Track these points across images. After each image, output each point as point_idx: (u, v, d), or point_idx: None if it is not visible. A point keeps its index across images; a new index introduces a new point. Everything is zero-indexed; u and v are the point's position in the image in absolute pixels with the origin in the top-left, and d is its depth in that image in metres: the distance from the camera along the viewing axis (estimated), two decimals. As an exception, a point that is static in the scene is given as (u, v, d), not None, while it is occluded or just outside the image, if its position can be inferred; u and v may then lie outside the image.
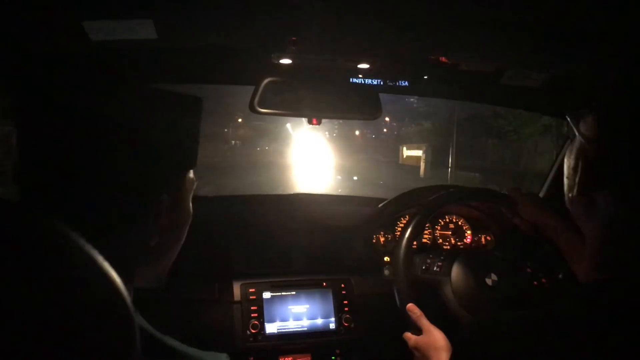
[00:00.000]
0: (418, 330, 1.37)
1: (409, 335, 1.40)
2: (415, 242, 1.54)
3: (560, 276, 1.49)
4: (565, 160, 0.83)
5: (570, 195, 0.79)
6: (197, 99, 0.73)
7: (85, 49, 1.14)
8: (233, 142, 34.16)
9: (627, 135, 0.70)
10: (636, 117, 0.69)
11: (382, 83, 1.53)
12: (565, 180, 0.83)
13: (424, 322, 1.36)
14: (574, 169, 0.78)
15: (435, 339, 1.32)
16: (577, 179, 0.77)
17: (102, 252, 0.42)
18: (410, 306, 1.40)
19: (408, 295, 1.43)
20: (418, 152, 26.55)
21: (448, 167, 21.17)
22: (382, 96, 1.51)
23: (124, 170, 0.63)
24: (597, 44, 1.16)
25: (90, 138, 0.61)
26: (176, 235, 0.76)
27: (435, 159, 23.50)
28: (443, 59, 1.43)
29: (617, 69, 1.17)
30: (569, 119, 0.82)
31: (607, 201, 0.72)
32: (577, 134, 0.79)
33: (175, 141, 0.70)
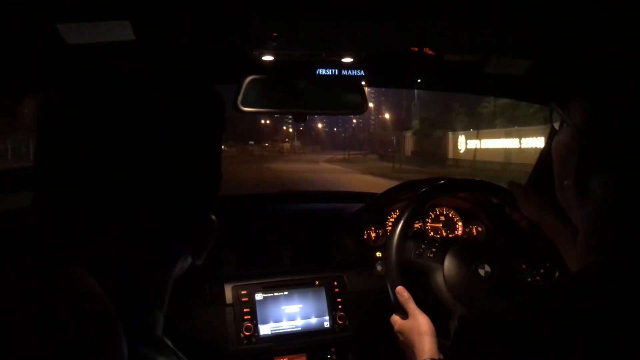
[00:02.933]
0: (404, 314, 1.37)
1: (395, 319, 1.39)
2: (409, 231, 1.53)
3: (556, 274, 1.49)
4: (554, 148, 0.82)
5: (563, 182, 0.79)
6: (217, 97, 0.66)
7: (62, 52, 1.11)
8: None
9: (619, 116, 0.70)
10: (626, 97, 0.70)
11: (367, 77, 1.52)
12: (556, 168, 0.82)
13: (411, 306, 1.36)
14: (564, 156, 0.78)
15: (419, 323, 1.32)
16: (568, 167, 0.76)
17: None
18: (400, 289, 1.40)
19: (399, 278, 1.42)
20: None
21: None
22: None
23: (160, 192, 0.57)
24: (581, 30, 1.16)
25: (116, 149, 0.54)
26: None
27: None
28: (427, 50, 1.42)
29: (603, 53, 1.17)
30: (555, 107, 0.82)
31: (602, 184, 0.71)
32: (565, 121, 0.79)
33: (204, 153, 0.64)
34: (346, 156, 55.53)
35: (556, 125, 0.90)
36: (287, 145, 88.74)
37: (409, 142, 45.12)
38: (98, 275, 0.43)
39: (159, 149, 0.56)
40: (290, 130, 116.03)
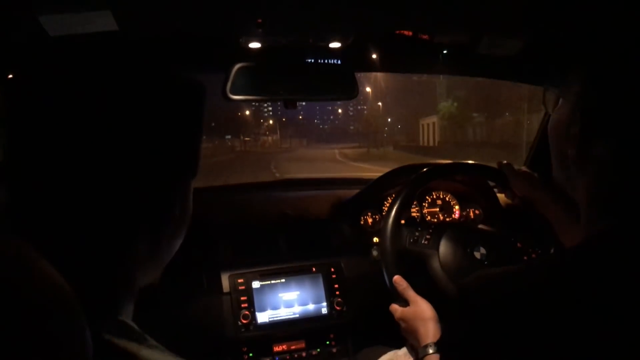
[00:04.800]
0: (404, 302, 1.37)
1: (395, 307, 1.39)
2: (402, 219, 1.53)
3: (551, 251, 1.49)
4: (551, 126, 0.84)
5: (564, 156, 0.79)
6: (198, 86, 0.65)
7: (45, 44, 1.10)
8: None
9: (617, 80, 0.71)
10: (623, 60, 0.71)
11: (356, 61, 1.51)
12: (555, 145, 0.83)
13: (410, 294, 1.36)
14: (563, 131, 0.79)
15: (422, 309, 1.31)
16: (569, 140, 0.77)
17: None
18: (397, 278, 1.39)
19: (395, 268, 1.42)
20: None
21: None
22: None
23: (126, 177, 0.58)
24: (571, 9, 1.15)
25: (84, 138, 0.55)
26: (178, 239, 0.72)
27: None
28: (417, 32, 1.40)
29: (598, 29, 1.16)
30: (550, 86, 0.82)
31: (606, 148, 0.71)
32: (562, 95, 0.81)
33: (179, 141, 0.64)
34: (358, 149, 50.05)
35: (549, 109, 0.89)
36: (267, 139, 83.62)
37: (428, 131, 40.48)
38: (56, 255, 0.43)
39: (127, 133, 0.57)
40: (271, 122, 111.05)
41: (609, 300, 0.64)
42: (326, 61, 1.46)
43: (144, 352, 0.59)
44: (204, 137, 0.70)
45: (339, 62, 1.46)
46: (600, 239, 0.72)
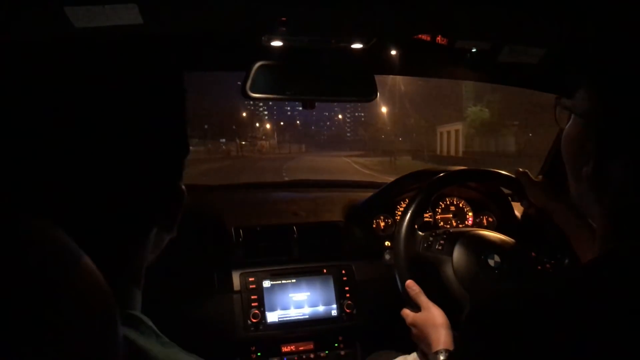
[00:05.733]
0: (416, 308, 1.36)
1: (406, 312, 1.39)
2: (416, 224, 1.52)
3: (566, 262, 1.47)
4: (564, 140, 0.81)
5: (579, 172, 0.77)
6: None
7: (68, 37, 1.10)
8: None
9: (631, 96, 0.69)
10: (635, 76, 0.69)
11: (377, 64, 1.50)
12: (569, 160, 0.81)
13: (423, 299, 1.35)
14: (578, 146, 0.77)
15: (433, 315, 1.31)
16: (583, 156, 0.75)
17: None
18: (409, 282, 1.39)
19: (407, 272, 1.41)
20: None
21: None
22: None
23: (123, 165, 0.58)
24: (592, 19, 1.14)
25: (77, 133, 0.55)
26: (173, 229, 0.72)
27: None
28: (438, 38, 1.40)
29: (615, 40, 1.15)
30: (562, 100, 0.81)
31: (621, 169, 0.70)
32: (574, 111, 0.78)
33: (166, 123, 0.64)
34: (371, 158, 45.22)
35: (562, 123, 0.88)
36: (265, 144, 79.98)
37: (449, 139, 37.18)
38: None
39: (122, 125, 0.58)
40: (268, 126, 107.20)
41: (624, 321, 0.63)
42: (347, 62, 1.45)
43: (156, 348, 0.59)
44: (196, 140, 0.71)
45: (360, 63, 1.46)
46: (614, 258, 0.71)
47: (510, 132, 28.28)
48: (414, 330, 1.36)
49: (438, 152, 38.85)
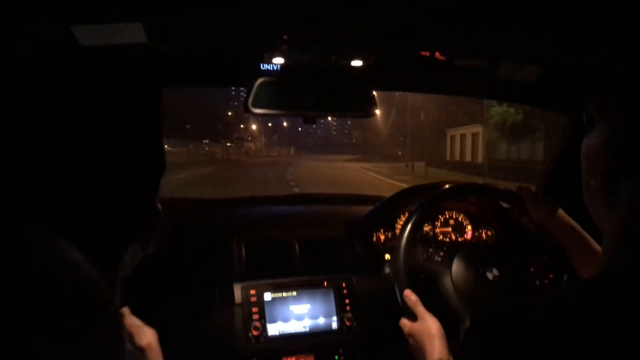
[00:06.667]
0: (414, 317, 1.37)
1: (404, 322, 1.40)
2: (416, 236, 1.54)
3: (564, 278, 1.49)
4: (584, 149, 0.81)
5: (591, 184, 0.78)
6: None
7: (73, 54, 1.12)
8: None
9: None
10: None
11: (376, 80, 1.53)
12: (584, 168, 0.81)
13: (420, 309, 1.36)
14: (594, 157, 0.77)
15: (428, 326, 1.32)
16: (596, 168, 0.76)
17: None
18: (407, 292, 1.40)
19: (406, 283, 1.43)
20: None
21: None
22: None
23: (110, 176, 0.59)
24: (590, 37, 1.16)
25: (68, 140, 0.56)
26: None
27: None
28: (437, 55, 1.42)
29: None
30: (590, 108, 0.81)
31: (631, 188, 0.71)
32: (598, 122, 0.77)
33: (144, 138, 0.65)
34: (376, 163, 43.17)
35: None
36: (252, 146, 74.39)
37: (463, 144, 32.81)
38: None
39: (96, 141, 0.58)
40: (254, 127, 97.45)
41: (623, 340, 0.63)
42: (347, 79, 1.48)
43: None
44: (177, 139, 0.69)
45: (359, 80, 1.49)
46: (619, 277, 0.71)
47: (540, 137, 24.94)
48: (411, 340, 1.37)
49: (448, 157, 35.91)
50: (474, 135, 31.74)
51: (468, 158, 32.17)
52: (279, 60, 1.33)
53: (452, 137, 36.44)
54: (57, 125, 0.56)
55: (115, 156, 0.59)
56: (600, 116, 0.77)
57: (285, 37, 1.16)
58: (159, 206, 0.66)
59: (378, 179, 26.05)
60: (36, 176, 0.54)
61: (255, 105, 1.39)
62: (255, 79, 1.38)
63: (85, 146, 0.57)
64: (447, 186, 1.64)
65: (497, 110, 26.89)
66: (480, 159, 29.40)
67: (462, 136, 34.08)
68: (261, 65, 1.35)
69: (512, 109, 25.39)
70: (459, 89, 1.70)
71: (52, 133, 0.55)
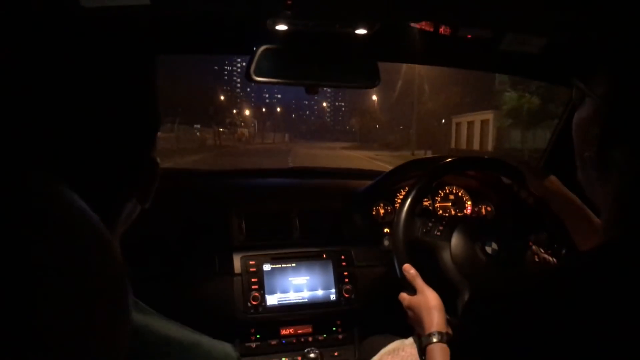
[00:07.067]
0: (412, 291, 1.38)
1: (403, 296, 1.40)
2: (416, 210, 1.53)
3: (563, 252, 1.49)
4: (575, 123, 0.83)
5: (585, 155, 0.78)
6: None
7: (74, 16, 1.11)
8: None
9: None
10: None
11: (380, 50, 1.51)
12: (577, 142, 0.83)
13: (419, 283, 1.37)
14: (585, 130, 0.79)
15: (427, 298, 1.32)
16: (589, 139, 0.77)
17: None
18: (407, 266, 1.40)
19: (405, 256, 1.43)
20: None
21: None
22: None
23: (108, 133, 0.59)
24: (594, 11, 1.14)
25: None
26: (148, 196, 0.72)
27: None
28: (442, 25, 1.40)
29: (625, 26, 1.16)
30: (577, 82, 0.82)
31: (624, 156, 0.71)
32: (587, 94, 0.79)
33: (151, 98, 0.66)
34: (374, 151, 38.67)
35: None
36: (245, 132, 70.87)
37: (469, 132, 30.64)
38: None
39: (96, 97, 0.58)
40: (247, 112, 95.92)
41: (623, 309, 0.64)
42: (350, 48, 1.46)
43: (155, 322, 0.60)
44: (167, 124, 0.68)
45: (363, 50, 1.47)
46: (617, 246, 0.71)
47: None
48: (409, 313, 1.38)
49: (453, 145, 33.17)
50: (484, 122, 29.44)
51: (476, 147, 29.63)
52: (282, 27, 1.32)
53: (458, 125, 33.87)
54: (58, 79, 0.55)
55: (113, 110, 0.59)
56: (589, 90, 0.78)
57: (289, 2, 1.14)
58: (157, 160, 0.66)
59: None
60: (37, 127, 0.54)
61: (257, 74, 1.38)
62: (258, 46, 1.36)
63: (83, 99, 0.57)
64: (446, 160, 1.63)
65: (512, 95, 24.98)
66: (490, 147, 27.53)
67: (470, 123, 31.64)
68: (264, 32, 1.32)
69: (527, 94, 24.16)
70: (464, 60, 1.68)
71: (52, 86, 0.55)
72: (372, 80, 1.48)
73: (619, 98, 0.73)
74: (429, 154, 28.66)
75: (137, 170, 0.63)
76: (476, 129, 30.34)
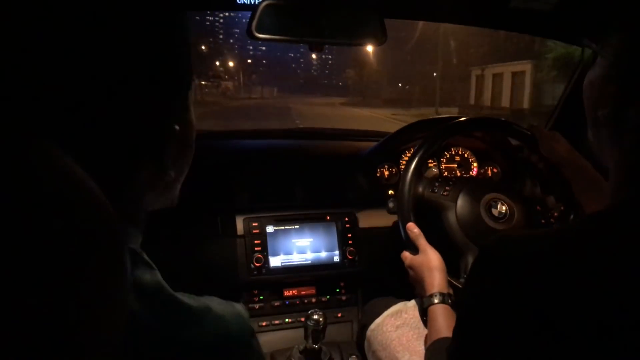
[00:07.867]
0: (415, 250, 1.37)
1: (405, 255, 1.40)
2: (422, 171, 1.51)
3: (571, 217, 1.47)
4: (586, 83, 0.81)
5: (598, 114, 0.76)
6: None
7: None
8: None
9: None
10: None
11: (386, 6, 1.46)
12: (588, 103, 0.80)
13: (421, 242, 1.36)
14: (599, 89, 0.76)
15: (429, 258, 1.32)
16: (603, 99, 0.75)
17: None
18: (410, 225, 1.40)
19: (410, 215, 1.42)
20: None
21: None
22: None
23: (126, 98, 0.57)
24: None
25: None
26: (184, 159, 0.71)
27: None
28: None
29: None
30: (588, 43, 0.79)
31: (636, 116, 0.69)
32: (600, 53, 0.77)
33: (171, 57, 0.62)
34: (398, 110, 31.99)
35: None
36: (229, 85, 66.97)
37: (493, 86, 26.06)
38: None
39: (113, 56, 0.55)
40: (231, 64, 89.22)
41: (631, 271, 0.62)
42: (356, 4, 1.41)
43: (186, 298, 0.59)
44: None
45: (369, 6, 1.42)
46: (626, 207, 0.70)
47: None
48: (410, 272, 1.38)
49: (472, 102, 28.75)
50: (516, 75, 24.85)
51: (505, 103, 25.20)
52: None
53: (479, 77, 28.87)
54: (72, 39, 0.52)
55: (127, 73, 0.56)
56: (601, 48, 0.76)
57: None
58: (177, 127, 0.63)
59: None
60: (45, 90, 0.51)
61: (260, 30, 1.33)
62: (260, 2, 1.32)
63: (97, 61, 0.54)
64: (454, 121, 1.60)
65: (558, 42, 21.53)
66: (526, 104, 23.27)
67: (495, 76, 26.76)
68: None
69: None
70: (472, 17, 1.63)
71: (66, 47, 0.52)
72: (378, 37, 1.43)
73: (636, 55, 0.70)
74: (456, 111, 26.85)
75: (154, 137, 0.61)
76: (506, 83, 25.80)
